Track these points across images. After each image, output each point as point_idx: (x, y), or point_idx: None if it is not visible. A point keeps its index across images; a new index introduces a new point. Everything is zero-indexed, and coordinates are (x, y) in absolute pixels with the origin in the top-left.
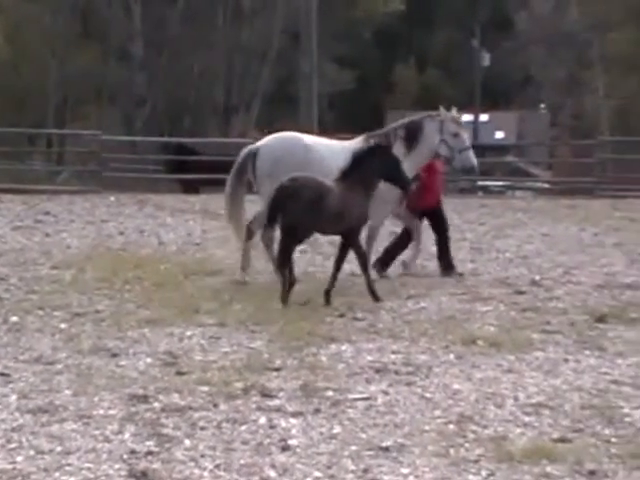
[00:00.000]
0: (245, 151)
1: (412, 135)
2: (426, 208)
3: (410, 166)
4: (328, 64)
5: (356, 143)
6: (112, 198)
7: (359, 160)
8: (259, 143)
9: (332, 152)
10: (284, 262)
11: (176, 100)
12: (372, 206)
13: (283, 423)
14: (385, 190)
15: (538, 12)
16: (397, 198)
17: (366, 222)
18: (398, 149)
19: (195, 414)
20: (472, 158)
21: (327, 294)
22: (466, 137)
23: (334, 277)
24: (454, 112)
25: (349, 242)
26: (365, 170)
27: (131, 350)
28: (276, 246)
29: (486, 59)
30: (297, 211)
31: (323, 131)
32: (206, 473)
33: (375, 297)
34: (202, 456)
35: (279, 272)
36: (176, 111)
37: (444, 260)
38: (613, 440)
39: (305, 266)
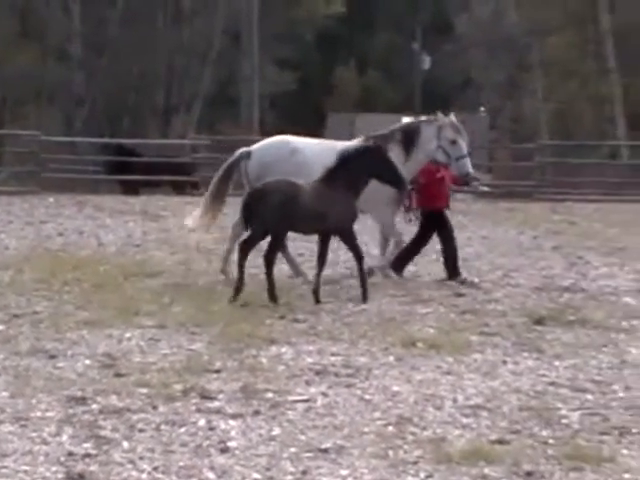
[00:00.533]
0: (239, 152)
1: (409, 139)
2: (435, 210)
3: (406, 170)
4: (269, 65)
5: (353, 144)
6: (51, 199)
7: (346, 159)
8: (254, 146)
9: (317, 154)
10: (241, 261)
11: (116, 101)
12: (378, 205)
13: (222, 425)
14: (386, 189)
15: (478, 15)
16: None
17: (354, 220)
18: (396, 152)
19: (134, 416)
20: (467, 166)
21: (315, 293)
22: (463, 144)
23: (318, 276)
24: (452, 117)
25: (343, 241)
26: (352, 169)
27: (69, 352)
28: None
29: (426, 62)
30: (267, 214)
31: (264, 132)
32: (144, 475)
33: (364, 297)
34: (140, 458)
35: (224, 271)
36: (116, 112)
37: (402, 263)
38: (550, 441)
39: (247, 268)
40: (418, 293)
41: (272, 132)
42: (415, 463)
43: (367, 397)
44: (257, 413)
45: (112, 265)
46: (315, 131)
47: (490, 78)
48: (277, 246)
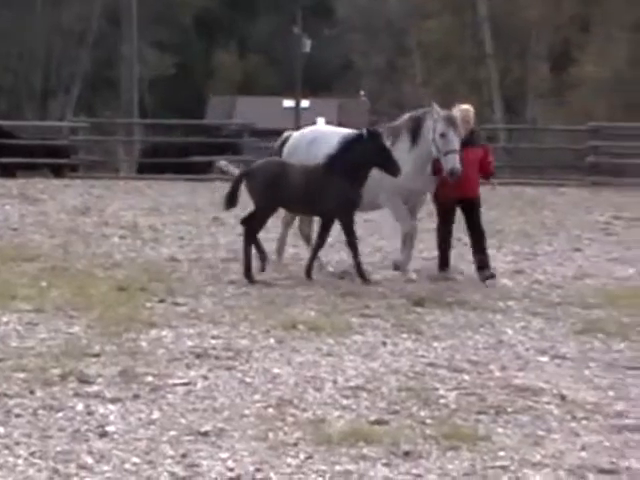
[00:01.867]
0: (284, 135)
1: (415, 129)
2: (462, 197)
3: (412, 160)
4: (148, 48)
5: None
6: None
7: (345, 146)
8: (295, 132)
9: (331, 146)
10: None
11: None
12: (386, 195)
13: (101, 409)
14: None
15: (358, 0)
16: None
17: (350, 207)
18: (404, 141)
19: (10, 401)
20: (454, 161)
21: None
22: (454, 138)
23: (313, 253)
24: (456, 110)
25: (341, 226)
26: (351, 156)
27: None
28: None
29: (307, 45)
30: (255, 192)
31: (143, 115)
32: (21, 461)
33: (364, 279)
34: (17, 444)
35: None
36: None
37: (478, 257)
38: (428, 421)
39: (126, 251)
40: (299, 276)
41: (151, 115)
42: (295, 445)
43: (247, 380)
44: (136, 397)
45: None
46: (196, 114)
47: (370, 62)
48: (260, 223)
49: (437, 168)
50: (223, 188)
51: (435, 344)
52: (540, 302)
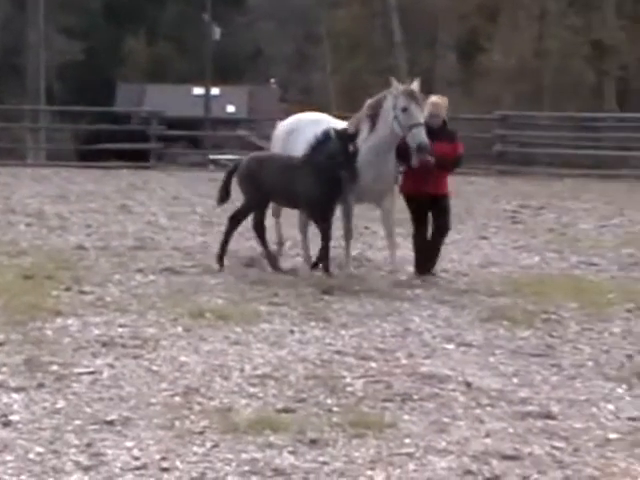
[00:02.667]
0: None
1: (373, 112)
2: (429, 195)
3: (372, 145)
4: (56, 35)
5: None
6: None
7: (318, 144)
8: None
9: (303, 136)
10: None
11: None
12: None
13: (5, 398)
14: None
15: None
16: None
17: (319, 202)
18: (365, 126)
19: None
20: (420, 135)
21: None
22: (417, 112)
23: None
24: (415, 83)
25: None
26: (320, 155)
27: None
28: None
29: (217, 33)
30: (242, 184)
31: (51, 102)
32: None
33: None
34: None
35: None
36: None
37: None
38: (335, 409)
39: (32, 239)
40: (207, 264)
41: (60, 102)
42: (201, 433)
43: (154, 368)
44: (41, 386)
45: None
46: (105, 102)
47: (280, 50)
48: (244, 212)
49: (403, 154)
50: (130, 176)
51: (343, 332)
52: (447, 290)
